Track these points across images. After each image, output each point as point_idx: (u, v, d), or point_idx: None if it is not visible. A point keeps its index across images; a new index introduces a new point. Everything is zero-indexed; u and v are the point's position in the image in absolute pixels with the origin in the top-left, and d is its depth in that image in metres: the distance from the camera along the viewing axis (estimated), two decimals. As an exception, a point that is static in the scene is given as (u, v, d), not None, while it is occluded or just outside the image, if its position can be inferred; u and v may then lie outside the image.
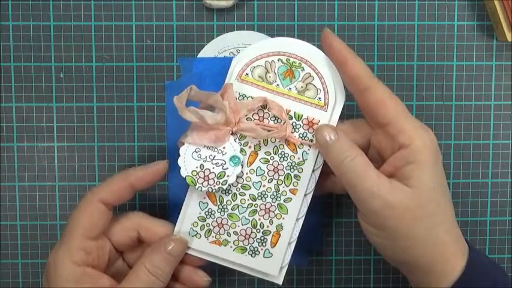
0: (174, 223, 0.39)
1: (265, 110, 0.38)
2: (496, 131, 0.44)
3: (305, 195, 0.39)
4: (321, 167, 0.38)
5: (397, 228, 0.35)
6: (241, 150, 0.38)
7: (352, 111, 0.43)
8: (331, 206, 0.44)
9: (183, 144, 0.38)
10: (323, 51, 0.38)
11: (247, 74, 0.38)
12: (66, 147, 0.44)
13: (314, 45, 0.38)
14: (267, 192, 0.39)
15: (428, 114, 0.44)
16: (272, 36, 0.43)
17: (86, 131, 0.44)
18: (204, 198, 0.39)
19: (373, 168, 0.36)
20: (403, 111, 0.36)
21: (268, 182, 0.39)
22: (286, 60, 0.38)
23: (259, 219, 0.39)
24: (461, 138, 0.44)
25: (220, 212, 0.39)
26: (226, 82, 0.38)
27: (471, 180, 0.44)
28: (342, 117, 0.38)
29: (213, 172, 0.38)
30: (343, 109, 0.38)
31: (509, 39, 0.42)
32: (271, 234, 0.39)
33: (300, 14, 0.43)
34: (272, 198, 0.39)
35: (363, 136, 0.38)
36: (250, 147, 0.39)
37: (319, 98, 0.38)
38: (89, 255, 0.37)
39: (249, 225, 0.39)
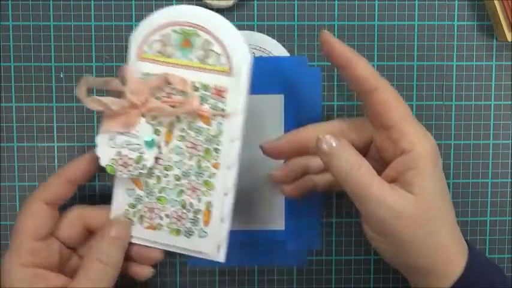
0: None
1: (172, 86, 0.37)
2: (496, 131, 0.44)
3: (228, 168, 0.37)
4: (241, 138, 0.37)
5: (402, 235, 0.35)
6: (156, 131, 0.37)
7: (352, 112, 0.43)
8: (331, 206, 0.44)
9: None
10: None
11: (145, 52, 0.37)
12: (66, 147, 0.44)
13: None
14: (189, 170, 0.38)
15: (428, 114, 0.44)
16: (272, 36, 0.43)
17: (86, 131, 0.44)
18: (130, 185, 0.38)
19: (378, 177, 0.35)
20: (407, 115, 0.36)
21: (189, 159, 0.37)
22: (181, 30, 0.36)
23: (188, 198, 0.38)
24: (461, 138, 0.44)
25: (148, 197, 0.38)
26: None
27: (471, 180, 0.44)
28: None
29: (131, 158, 0.37)
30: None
31: (509, 39, 0.42)
32: (202, 213, 0.38)
33: (300, 14, 0.43)
34: (196, 176, 0.38)
35: (363, 136, 0.38)
36: (164, 126, 0.37)
37: (222, 63, 0.36)
38: (38, 256, 0.38)
39: (179, 206, 0.38)
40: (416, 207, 0.35)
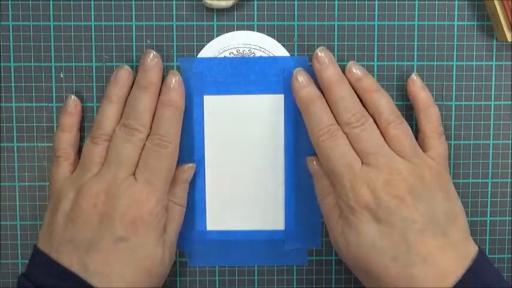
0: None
1: None
2: (496, 131, 0.44)
3: None
4: None
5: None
6: None
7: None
8: (331, 206, 0.44)
9: None
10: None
11: None
12: (66, 147, 0.44)
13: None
14: None
15: (428, 114, 0.44)
16: (272, 36, 0.43)
17: (86, 131, 0.44)
18: None
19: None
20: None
21: None
22: None
23: None
24: (461, 138, 0.44)
25: None
26: None
27: (471, 180, 0.44)
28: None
29: None
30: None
31: (509, 39, 0.42)
32: None
33: (300, 14, 0.43)
34: None
35: None
36: None
37: None
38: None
39: None
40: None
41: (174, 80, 0.41)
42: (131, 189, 0.38)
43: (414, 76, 0.42)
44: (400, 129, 0.39)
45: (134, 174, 0.39)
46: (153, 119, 0.40)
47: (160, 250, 0.39)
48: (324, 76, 0.40)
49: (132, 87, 0.41)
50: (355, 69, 0.41)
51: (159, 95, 0.41)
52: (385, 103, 0.40)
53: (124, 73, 0.41)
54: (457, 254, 0.37)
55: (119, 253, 0.37)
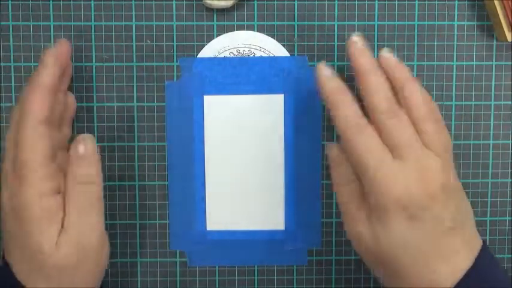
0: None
1: None
2: (496, 131, 0.44)
3: None
4: None
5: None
6: None
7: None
8: (331, 206, 0.44)
9: None
10: None
11: None
12: (66, 147, 0.44)
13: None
14: None
15: (428, 114, 0.44)
16: (272, 36, 0.43)
17: (86, 131, 0.44)
18: None
19: None
20: None
21: None
22: None
23: None
24: (461, 138, 0.44)
25: None
26: None
27: (471, 180, 0.44)
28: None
29: None
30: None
31: (509, 39, 0.42)
32: None
33: (300, 14, 0.43)
34: None
35: None
36: None
37: None
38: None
39: None
40: None
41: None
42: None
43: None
44: (434, 124, 0.38)
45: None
46: None
47: (50, 238, 0.37)
48: (360, 62, 0.38)
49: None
50: (389, 56, 0.39)
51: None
52: (418, 95, 0.38)
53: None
54: (469, 248, 0.37)
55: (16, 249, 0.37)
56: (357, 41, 0.38)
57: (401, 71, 0.39)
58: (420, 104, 0.38)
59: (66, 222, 0.37)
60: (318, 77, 0.39)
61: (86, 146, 0.38)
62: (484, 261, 0.37)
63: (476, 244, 0.38)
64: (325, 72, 0.38)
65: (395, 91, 0.39)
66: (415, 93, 0.38)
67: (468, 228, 0.38)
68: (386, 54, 0.39)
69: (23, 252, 0.37)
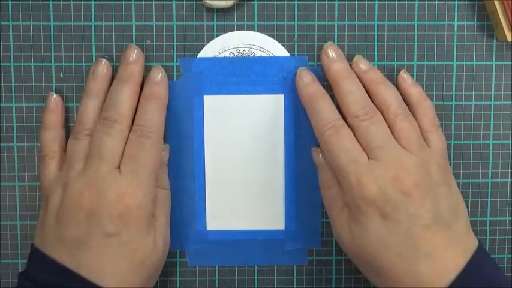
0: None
1: None
2: (496, 131, 0.44)
3: None
4: None
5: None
6: None
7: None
8: (331, 206, 0.44)
9: None
10: None
11: None
12: (66, 147, 0.44)
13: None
14: None
15: (428, 114, 0.44)
16: (272, 36, 0.43)
17: (86, 131, 0.44)
18: None
19: None
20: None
21: None
22: None
23: None
24: (461, 138, 0.44)
25: None
26: None
27: (471, 180, 0.44)
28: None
29: None
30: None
31: (509, 39, 0.42)
32: None
33: (300, 14, 0.43)
34: None
35: None
36: None
37: None
38: None
39: None
40: None
41: (158, 74, 0.41)
42: (116, 182, 0.38)
43: (403, 73, 0.42)
44: (408, 122, 0.39)
45: (119, 167, 0.39)
46: (135, 113, 0.40)
47: (151, 239, 0.39)
48: (332, 70, 0.41)
49: (112, 83, 0.41)
50: (362, 63, 0.41)
51: (142, 89, 0.41)
52: (392, 95, 0.40)
53: (101, 67, 0.41)
54: (460, 247, 0.37)
55: (110, 248, 0.37)
56: (329, 49, 0.41)
57: (374, 74, 0.41)
58: (395, 102, 0.40)
59: (159, 224, 0.40)
60: (296, 82, 0.41)
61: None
62: (480, 262, 0.37)
63: (470, 243, 0.38)
64: (304, 78, 0.41)
65: (370, 94, 0.40)
66: (389, 93, 0.40)
67: (457, 227, 0.38)
68: (360, 61, 0.42)
69: (121, 252, 0.37)
